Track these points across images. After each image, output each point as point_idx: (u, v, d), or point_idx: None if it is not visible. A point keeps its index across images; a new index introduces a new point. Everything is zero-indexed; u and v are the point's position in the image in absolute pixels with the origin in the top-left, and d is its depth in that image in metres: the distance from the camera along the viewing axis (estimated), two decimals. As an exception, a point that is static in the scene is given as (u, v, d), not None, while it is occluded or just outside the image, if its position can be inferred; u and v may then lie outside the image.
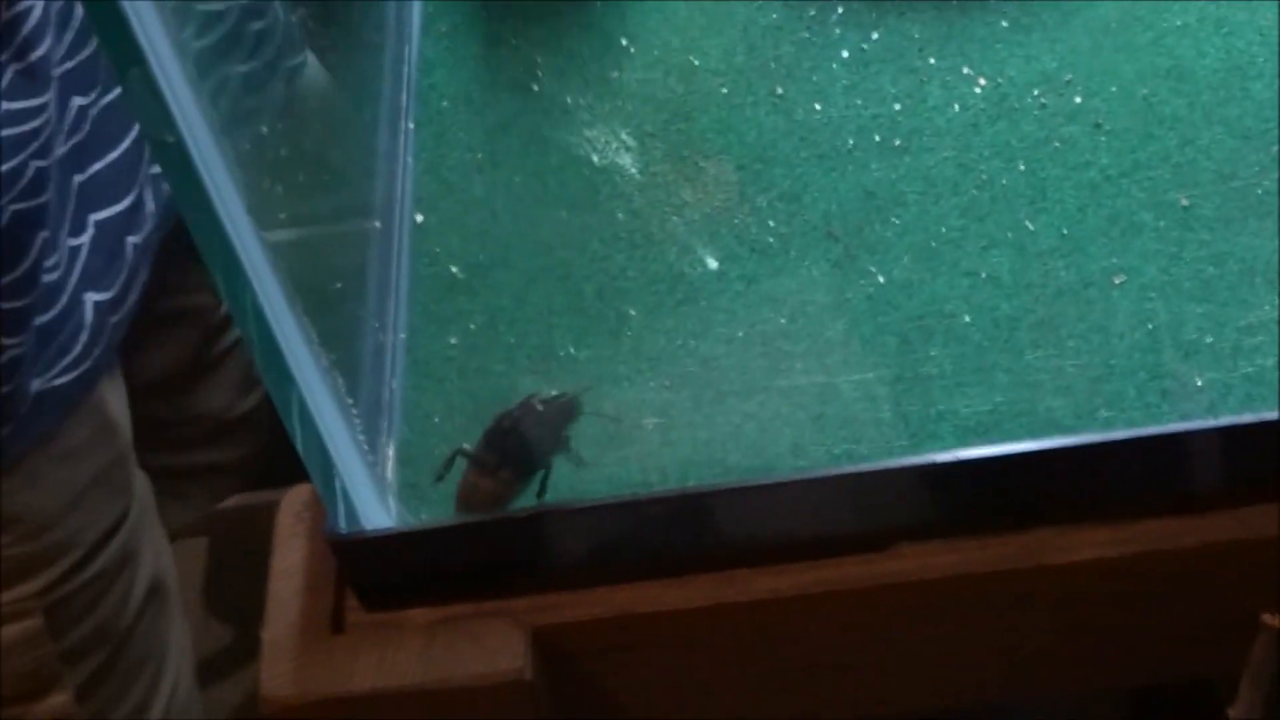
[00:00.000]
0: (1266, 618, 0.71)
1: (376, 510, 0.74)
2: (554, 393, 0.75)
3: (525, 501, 0.74)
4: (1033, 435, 0.73)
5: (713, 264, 0.84)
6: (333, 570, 0.76)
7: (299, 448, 0.72)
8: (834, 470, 0.73)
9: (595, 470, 0.74)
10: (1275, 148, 0.84)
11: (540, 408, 0.74)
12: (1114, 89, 0.89)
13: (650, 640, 0.75)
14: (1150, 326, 0.77)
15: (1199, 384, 0.75)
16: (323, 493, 0.73)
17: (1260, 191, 0.83)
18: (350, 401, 0.74)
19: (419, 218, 0.90)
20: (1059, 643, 0.77)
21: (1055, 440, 0.72)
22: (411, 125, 0.95)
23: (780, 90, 0.92)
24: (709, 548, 0.74)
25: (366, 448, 0.75)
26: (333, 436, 0.73)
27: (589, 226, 0.87)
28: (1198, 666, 0.80)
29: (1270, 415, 0.72)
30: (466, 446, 0.75)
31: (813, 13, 0.95)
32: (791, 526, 0.74)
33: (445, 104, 0.96)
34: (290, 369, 0.70)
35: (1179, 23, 0.92)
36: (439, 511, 0.75)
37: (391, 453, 0.79)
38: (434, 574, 0.75)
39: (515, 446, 0.73)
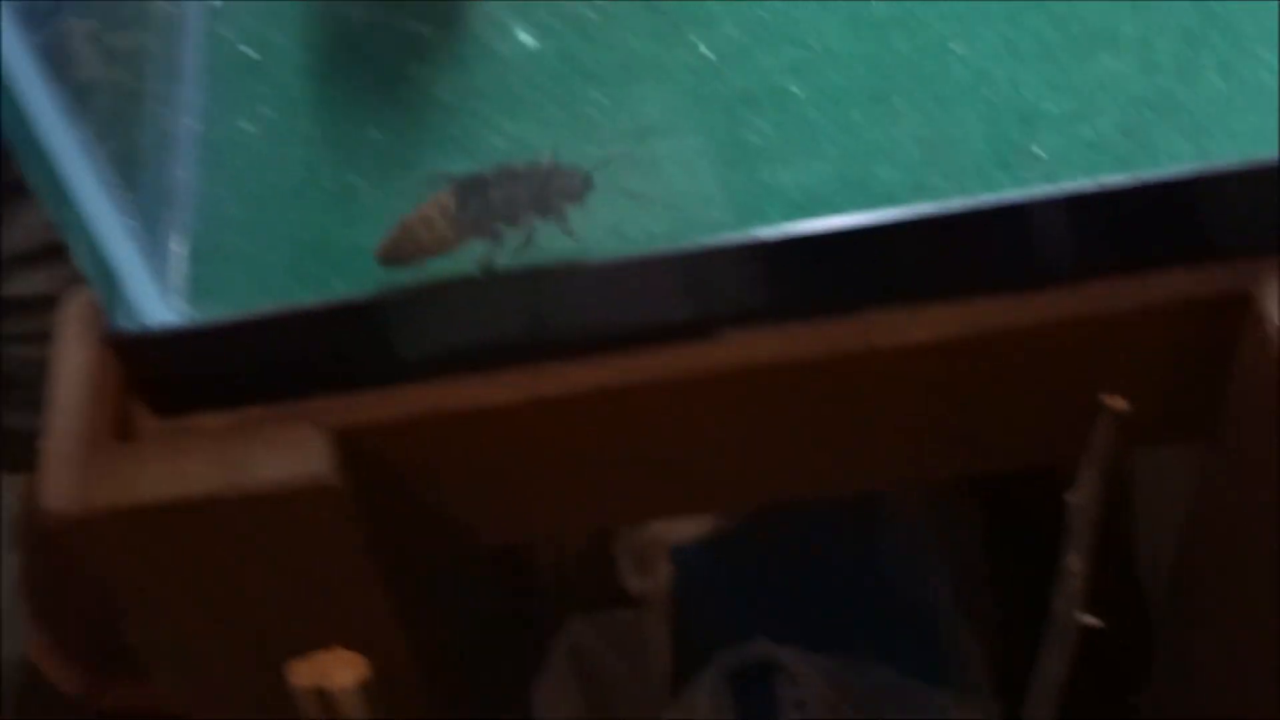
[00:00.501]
0: (1106, 399, 0.69)
1: (162, 308, 0.69)
2: (567, 163, 0.68)
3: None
4: (864, 209, 0.69)
5: (527, 39, 0.78)
6: (117, 376, 0.70)
7: (70, 244, 0.67)
8: (654, 251, 0.68)
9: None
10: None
11: (546, 172, 0.67)
12: None
13: (463, 440, 0.70)
14: (988, 95, 0.73)
15: (1038, 152, 0.71)
16: (101, 292, 0.68)
17: (1104, -47, 0.79)
18: (130, 193, 0.68)
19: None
20: (895, 431, 0.74)
21: (887, 213, 0.68)
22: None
23: None
24: (523, 339, 0.70)
25: (150, 243, 0.70)
26: (109, 231, 0.67)
27: (395, 5, 0.81)
28: (1041, 453, 0.77)
29: (1112, 183, 0.68)
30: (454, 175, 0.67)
31: None
32: (610, 314, 0.69)
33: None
34: (53, 155, 0.64)
35: None
36: (233, 308, 0.70)
37: (180, 248, 0.73)
38: (227, 375, 0.70)
39: (494, 202, 0.66)
